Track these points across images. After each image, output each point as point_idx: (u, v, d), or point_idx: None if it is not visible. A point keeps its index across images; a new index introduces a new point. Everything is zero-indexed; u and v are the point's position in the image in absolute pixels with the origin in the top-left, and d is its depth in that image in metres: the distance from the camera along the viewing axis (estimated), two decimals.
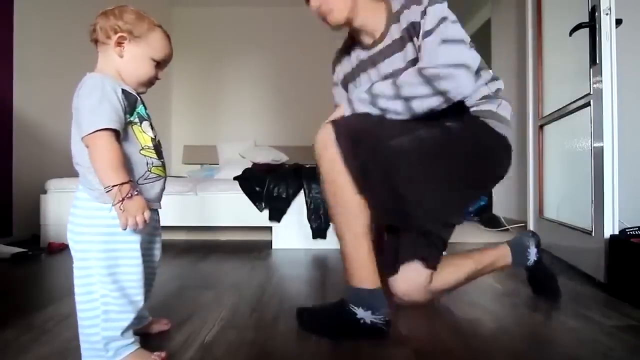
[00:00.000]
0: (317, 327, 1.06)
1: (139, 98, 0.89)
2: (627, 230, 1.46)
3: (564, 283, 1.57)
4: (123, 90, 0.83)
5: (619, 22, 1.53)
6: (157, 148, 0.90)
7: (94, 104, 0.78)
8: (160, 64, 0.92)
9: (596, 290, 1.45)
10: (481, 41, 4.01)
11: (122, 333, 0.82)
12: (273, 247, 2.32)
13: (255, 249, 2.27)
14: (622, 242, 1.41)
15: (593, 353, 0.94)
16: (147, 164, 0.87)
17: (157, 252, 0.98)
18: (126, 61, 0.87)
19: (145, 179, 0.86)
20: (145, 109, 0.90)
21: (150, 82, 0.92)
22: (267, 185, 2.36)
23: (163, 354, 0.88)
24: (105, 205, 0.80)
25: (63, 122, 2.85)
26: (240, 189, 2.39)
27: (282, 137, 4.38)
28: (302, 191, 2.35)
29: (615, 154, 1.50)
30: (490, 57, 3.53)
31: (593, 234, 1.59)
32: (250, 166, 2.91)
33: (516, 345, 0.99)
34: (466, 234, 2.89)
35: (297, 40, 4.42)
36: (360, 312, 1.01)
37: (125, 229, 0.78)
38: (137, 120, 0.86)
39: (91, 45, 0.92)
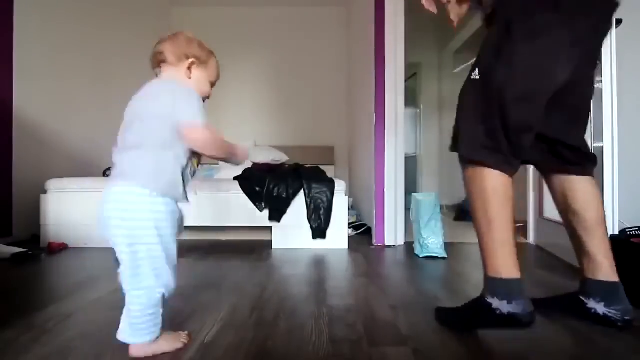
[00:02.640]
0: (452, 320, 1.10)
1: None
2: (627, 230, 1.46)
3: (564, 283, 1.57)
4: None
5: (619, 22, 1.53)
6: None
7: (198, 106, 0.96)
8: (213, 85, 1.09)
9: None
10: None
11: (157, 316, 0.92)
12: (273, 247, 2.32)
13: (255, 249, 2.27)
14: (622, 242, 1.41)
15: (593, 353, 0.94)
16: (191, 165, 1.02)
17: None
18: (192, 82, 1.02)
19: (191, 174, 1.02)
20: None
21: (206, 99, 1.08)
22: (267, 185, 2.35)
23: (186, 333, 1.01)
24: (156, 200, 0.90)
25: (63, 122, 2.87)
26: (240, 189, 2.39)
27: (282, 137, 4.38)
28: (302, 191, 2.35)
29: (615, 154, 1.51)
30: None
31: None
32: (250, 166, 2.91)
33: (516, 345, 0.99)
34: (466, 234, 2.89)
35: (297, 40, 4.42)
36: (496, 302, 1.01)
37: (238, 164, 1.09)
38: None
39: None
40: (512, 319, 0.99)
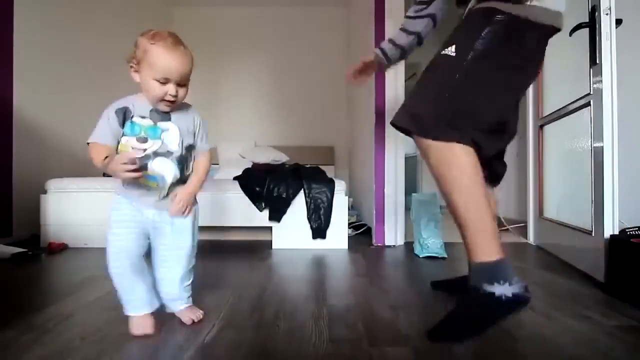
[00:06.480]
0: (460, 329, 1.01)
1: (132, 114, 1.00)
2: (627, 230, 1.47)
3: (564, 283, 1.57)
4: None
5: (619, 22, 1.53)
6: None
7: (99, 123, 1.01)
8: (169, 81, 0.96)
9: (596, 290, 1.45)
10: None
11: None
12: (273, 247, 2.32)
13: (255, 249, 2.27)
14: (622, 242, 1.41)
15: (593, 353, 0.94)
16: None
17: None
18: (141, 85, 1.00)
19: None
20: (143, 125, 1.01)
21: (166, 100, 0.99)
22: (267, 185, 2.35)
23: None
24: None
25: (63, 122, 2.87)
26: (240, 189, 2.39)
27: (282, 137, 4.38)
28: (302, 191, 2.35)
29: (615, 154, 1.51)
30: None
31: (593, 234, 1.59)
32: (250, 166, 2.91)
33: (516, 345, 0.99)
34: None
35: (297, 40, 4.42)
36: (498, 289, 0.97)
37: None
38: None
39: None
40: (518, 300, 0.97)
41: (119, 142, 0.97)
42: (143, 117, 0.99)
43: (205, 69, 4.42)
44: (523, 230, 2.63)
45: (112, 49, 3.44)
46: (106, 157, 0.93)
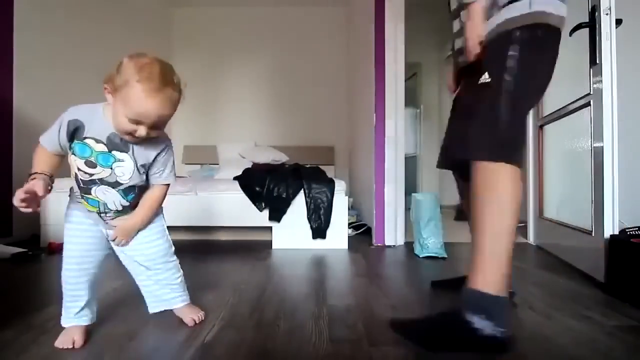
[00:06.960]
0: (417, 335, 0.99)
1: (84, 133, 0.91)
2: (627, 230, 1.46)
3: (564, 283, 1.57)
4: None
5: (619, 22, 1.53)
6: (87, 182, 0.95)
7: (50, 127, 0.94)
8: (141, 123, 0.86)
9: (596, 290, 1.45)
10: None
11: None
12: (273, 247, 2.32)
13: (255, 249, 2.27)
14: (622, 242, 1.41)
15: (593, 353, 0.94)
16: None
17: None
18: (112, 110, 0.88)
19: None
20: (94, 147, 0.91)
21: (132, 136, 0.88)
22: (267, 185, 2.35)
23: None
24: None
25: None
26: (240, 189, 2.39)
27: (282, 137, 4.38)
28: (302, 191, 2.35)
29: (615, 154, 1.51)
30: None
31: (593, 234, 1.59)
32: (250, 166, 2.91)
33: (516, 345, 0.99)
34: (466, 234, 2.88)
35: (297, 40, 4.42)
36: (477, 321, 0.92)
37: None
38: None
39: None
40: (494, 342, 0.92)
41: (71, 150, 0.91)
42: (98, 141, 0.90)
43: (205, 69, 4.42)
44: (523, 230, 2.63)
45: (113, 49, 3.44)
46: (34, 174, 0.89)
